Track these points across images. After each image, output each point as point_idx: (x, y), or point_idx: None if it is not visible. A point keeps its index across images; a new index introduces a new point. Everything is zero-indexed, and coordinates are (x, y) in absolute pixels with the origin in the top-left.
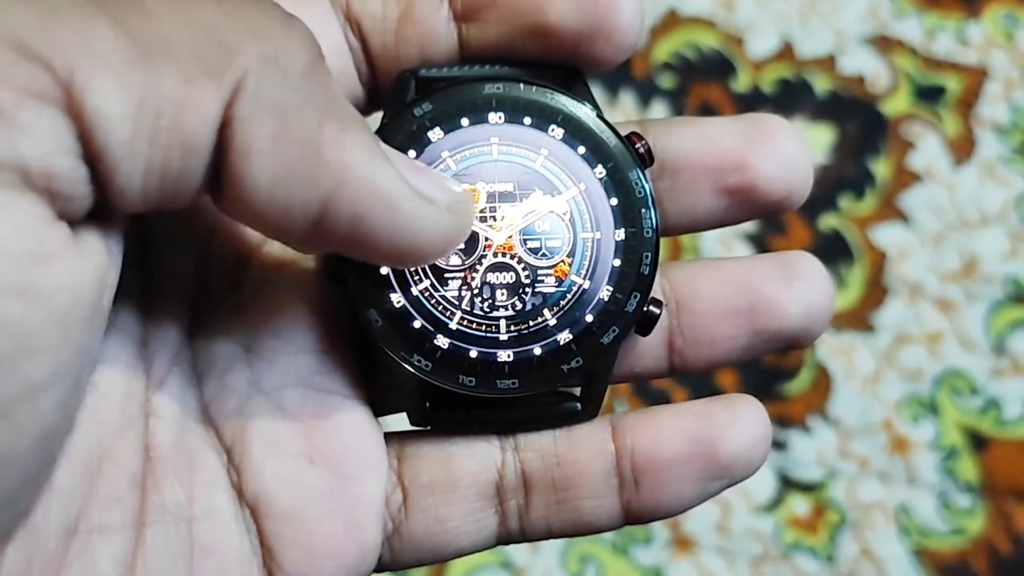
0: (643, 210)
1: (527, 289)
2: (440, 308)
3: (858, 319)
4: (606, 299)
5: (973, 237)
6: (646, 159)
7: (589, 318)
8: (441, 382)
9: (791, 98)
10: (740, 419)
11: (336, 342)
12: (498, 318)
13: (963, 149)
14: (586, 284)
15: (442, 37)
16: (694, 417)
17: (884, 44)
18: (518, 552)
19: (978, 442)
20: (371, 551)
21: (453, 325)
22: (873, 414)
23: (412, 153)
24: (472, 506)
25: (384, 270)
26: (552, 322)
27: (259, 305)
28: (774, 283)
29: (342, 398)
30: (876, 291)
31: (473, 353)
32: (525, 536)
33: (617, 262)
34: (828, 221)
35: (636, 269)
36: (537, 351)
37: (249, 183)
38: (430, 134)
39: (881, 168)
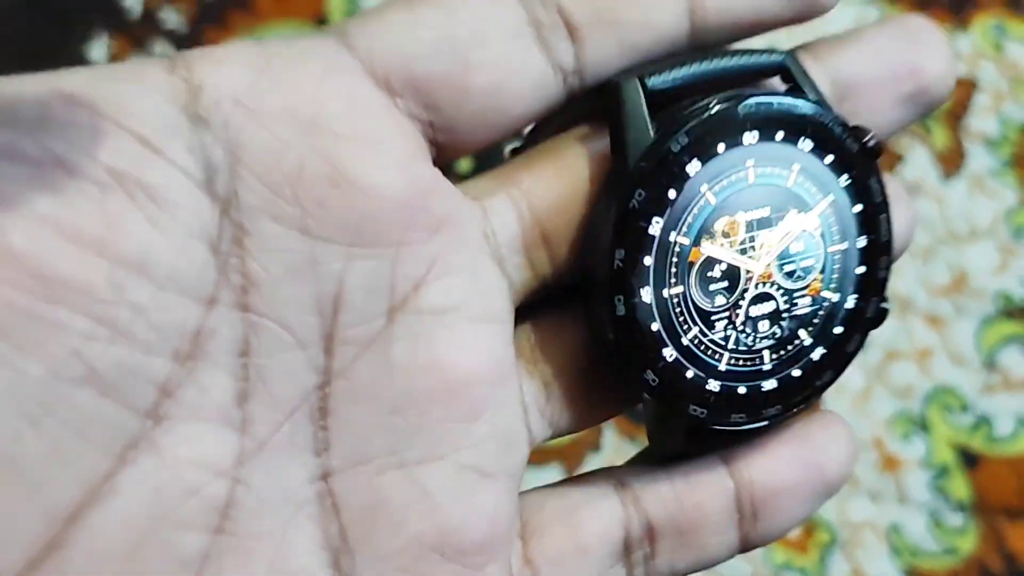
0: (882, 216)
1: (785, 315)
2: (709, 352)
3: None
4: (851, 308)
5: (963, 251)
6: (876, 152)
7: (838, 330)
8: (715, 424)
9: None
10: (838, 439)
11: (507, 392)
12: (761, 349)
13: (952, 162)
14: (835, 297)
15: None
16: (800, 443)
17: None
18: None
19: (969, 460)
20: None
21: (722, 367)
22: (863, 432)
23: (672, 193)
24: (603, 567)
25: (655, 326)
26: (807, 342)
27: (417, 354)
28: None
29: (490, 476)
30: None
31: (742, 389)
32: None
33: (861, 270)
34: None
35: (876, 274)
36: (796, 373)
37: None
38: (688, 168)
39: None
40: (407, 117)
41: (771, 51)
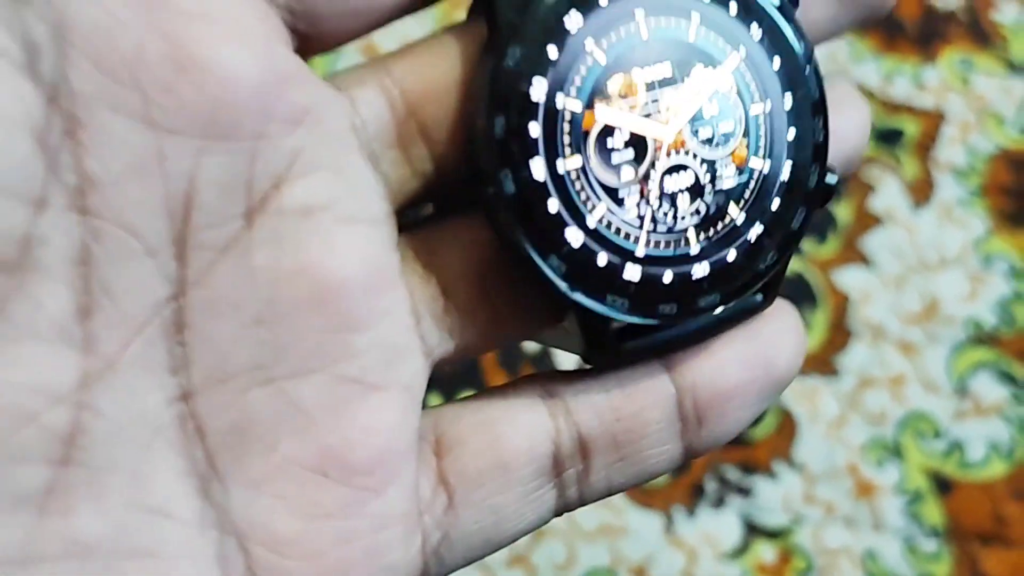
0: (807, 67)
1: (709, 187)
2: (623, 234)
3: (822, 362)
4: (787, 179)
5: (933, 279)
6: (794, 3)
7: (775, 204)
8: (642, 318)
9: None
10: (787, 330)
11: (390, 300)
12: (685, 229)
13: (922, 192)
14: (766, 167)
15: None
16: (746, 341)
17: None
18: None
19: (943, 485)
20: (402, 574)
21: (640, 251)
22: (838, 458)
23: (553, 50)
24: (529, 487)
25: (553, 204)
26: (740, 218)
27: (281, 258)
28: None
29: (376, 388)
30: (839, 334)
31: (667, 276)
32: (583, 501)
33: (791, 134)
34: (791, 264)
35: (811, 137)
36: (732, 255)
37: None
38: (567, 22)
39: (842, 211)
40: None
41: None
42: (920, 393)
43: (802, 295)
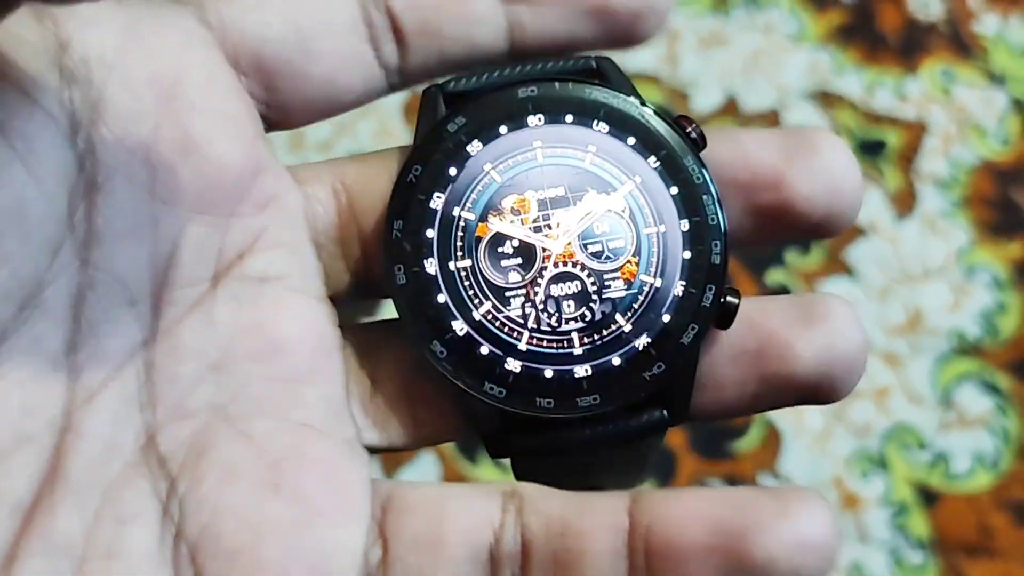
0: (705, 196)
1: (595, 296)
2: (506, 329)
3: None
4: (680, 295)
5: (917, 290)
6: (699, 143)
7: (666, 318)
8: (518, 408)
9: None
10: (788, 514)
11: (331, 366)
12: (569, 332)
13: (905, 203)
14: (657, 282)
15: (488, 20)
16: (729, 504)
17: (825, 99)
18: None
19: (928, 497)
20: None
21: (522, 345)
22: (823, 471)
23: (453, 170)
24: (460, 570)
25: (442, 297)
26: (627, 328)
27: (240, 316)
28: (788, 324)
29: (325, 436)
30: None
31: (548, 372)
32: None
33: (687, 254)
34: (775, 276)
35: (707, 260)
36: (616, 361)
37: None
38: (469, 148)
39: None
40: (248, 94)
41: (586, 57)
42: (904, 405)
43: None
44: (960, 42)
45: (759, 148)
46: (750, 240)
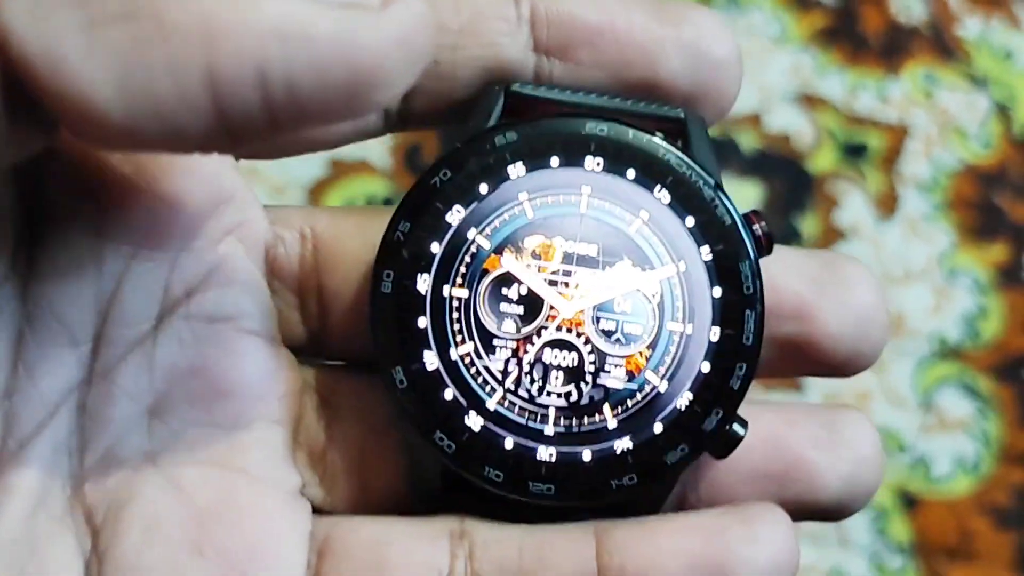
0: (748, 311)
1: (589, 378)
2: (480, 380)
3: (788, 378)
4: (683, 409)
5: (899, 293)
6: (764, 246)
7: (657, 428)
8: (462, 470)
9: (719, 155)
10: (758, 538)
11: (278, 412)
12: (547, 406)
13: (887, 206)
14: (662, 386)
15: (516, 63)
16: (701, 535)
17: (808, 102)
18: None
19: (908, 501)
20: None
21: (491, 403)
22: None
23: (484, 188)
24: None
25: (423, 321)
26: (611, 424)
27: (181, 358)
28: (814, 445)
29: (261, 485)
30: None
31: (508, 443)
32: None
33: (706, 367)
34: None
35: (726, 380)
36: (586, 456)
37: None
38: (509, 169)
39: (808, 225)
40: None
41: (673, 107)
42: (886, 408)
43: None
44: (943, 45)
45: (787, 271)
46: (765, 373)
